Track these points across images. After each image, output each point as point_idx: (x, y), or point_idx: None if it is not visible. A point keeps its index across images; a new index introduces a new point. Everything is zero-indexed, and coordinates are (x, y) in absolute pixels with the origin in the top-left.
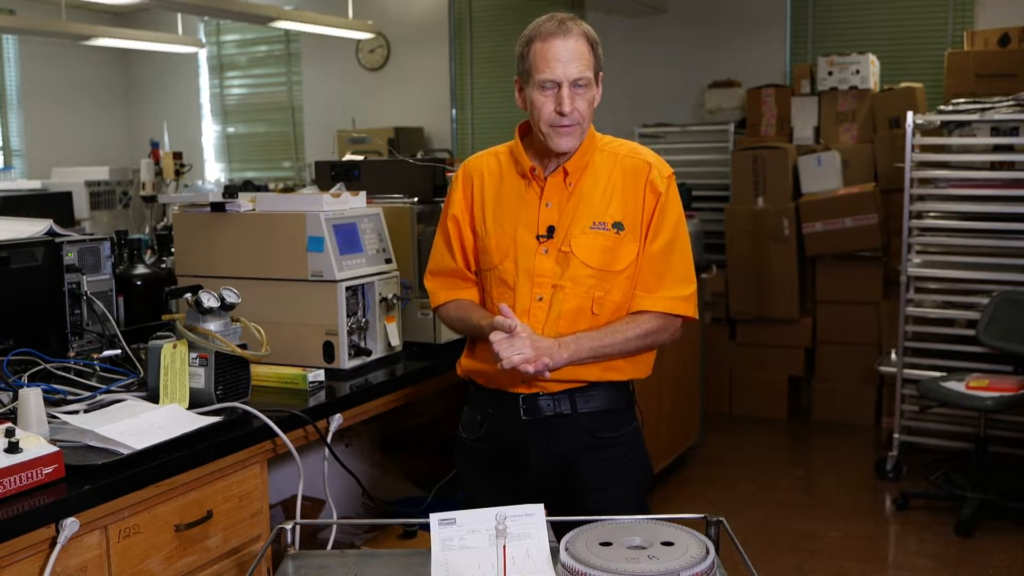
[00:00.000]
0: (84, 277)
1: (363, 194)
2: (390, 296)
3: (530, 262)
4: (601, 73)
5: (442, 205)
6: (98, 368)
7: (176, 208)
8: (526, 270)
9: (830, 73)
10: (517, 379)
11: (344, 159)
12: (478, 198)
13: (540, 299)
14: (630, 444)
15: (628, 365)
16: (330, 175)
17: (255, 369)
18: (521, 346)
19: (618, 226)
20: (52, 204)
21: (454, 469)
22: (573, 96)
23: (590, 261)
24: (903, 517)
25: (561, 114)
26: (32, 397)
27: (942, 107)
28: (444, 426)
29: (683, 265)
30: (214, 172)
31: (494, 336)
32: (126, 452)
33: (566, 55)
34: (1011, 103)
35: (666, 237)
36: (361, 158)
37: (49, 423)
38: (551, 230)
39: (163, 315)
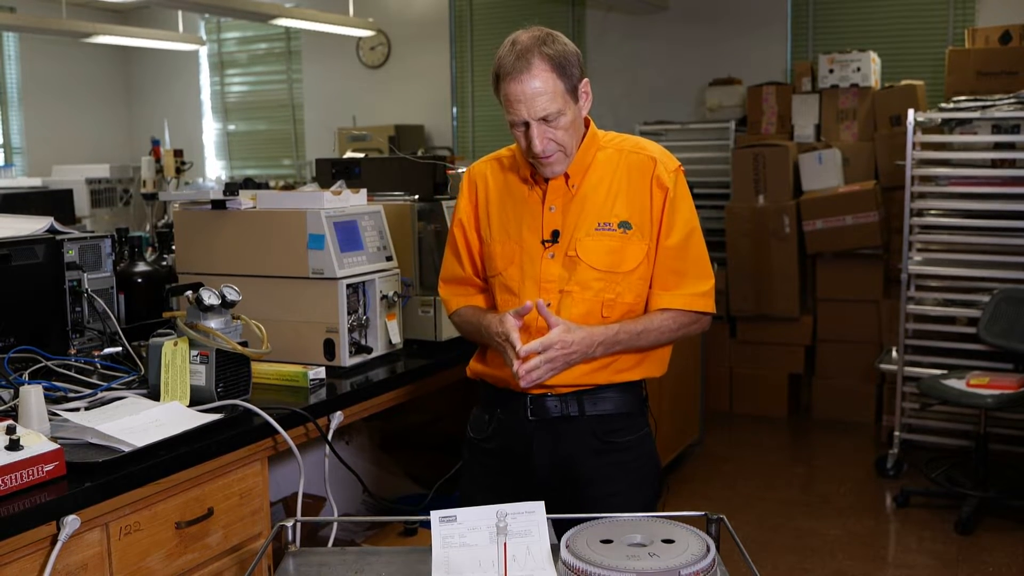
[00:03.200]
0: (85, 275)
1: (364, 192)
2: (391, 294)
3: (536, 268)
4: (585, 80)
5: (443, 203)
6: (99, 365)
7: (177, 206)
8: (532, 276)
9: (831, 71)
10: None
11: (345, 157)
12: (483, 203)
13: (548, 305)
14: (639, 450)
15: (641, 363)
16: (331, 173)
17: (256, 366)
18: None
19: (624, 225)
20: (53, 202)
21: (455, 466)
22: (543, 133)
23: (597, 264)
24: (903, 515)
25: (534, 153)
26: (33, 394)
27: (943, 105)
28: (445, 423)
29: (701, 260)
30: (215, 169)
31: (521, 366)
32: (127, 449)
33: (527, 94)
34: (1012, 101)
35: (680, 233)
36: (362, 156)
37: (50, 420)
38: (556, 234)
39: (164, 312)
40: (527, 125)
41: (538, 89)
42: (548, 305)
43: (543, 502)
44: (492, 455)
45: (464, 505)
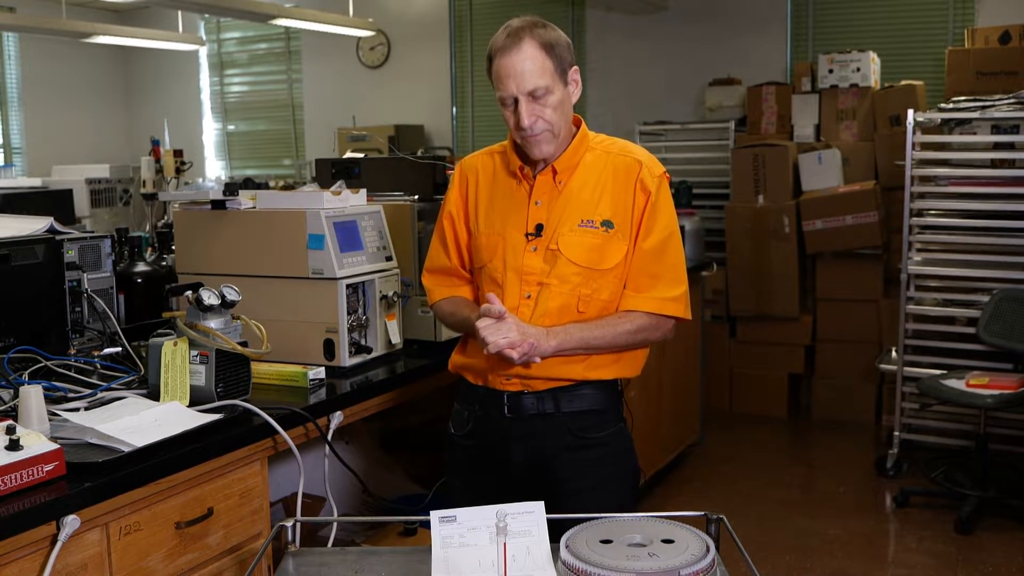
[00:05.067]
0: (85, 275)
1: (363, 192)
2: (390, 294)
3: (518, 260)
4: (575, 68)
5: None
6: (99, 366)
7: (176, 206)
8: (514, 268)
9: (831, 71)
10: (504, 375)
11: (344, 157)
12: (472, 196)
13: (528, 296)
14: (614, 445)
15: (615, 364)
16: (330, 173)
17: (255, 367)
18: (507, 331)
19: (607, 224)
20: (53, 202)
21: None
22: (532, 108)
23: (577, 259)
24: (903, 514)
25: (521, 128)
26: (33, 394)
27: (943, 105)
28: (444, 424)
29: (675, 265)
30: (214, 170)
31: (481, 322)
32: (127, 449)
33: (517, 69)
34: (1012, 101)
35: (657, 237)
36: (361, 156)
37: (50, 420)
38: (540, 228)
39: (164, 313)
40: (516, 102)
41: (527, 64)
42: (528, 297)
43: (542, 502)
44: (471, 451)
45: (447, 501)
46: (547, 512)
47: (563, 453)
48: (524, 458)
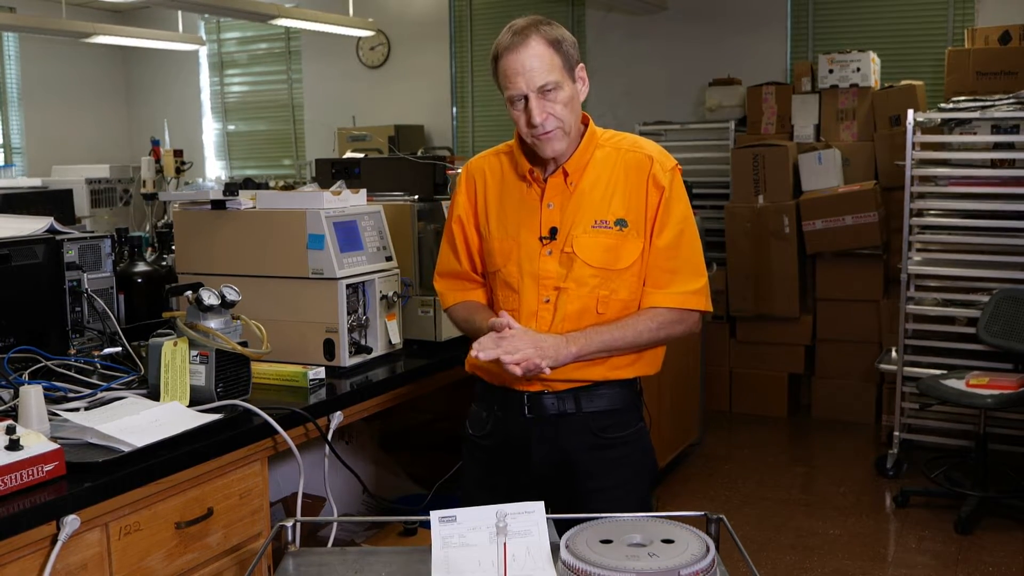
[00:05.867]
0: (85, 275)
1: (363, 192)
2: (390, 294)
3: (534, 265)
4: (581, 65)
5: (443, 203)
6: (99, 365)
7: (177, 206)
8: (531, 273)
9: (831, 71)
10: (521, 377)
11: (344, 157)
12: (481, 199)
13: (547, 301)
14: (635, 444)
15: (635, 363)
16: (331, 173)
17: (255, 367)
18: (510, 346)
19: (621, 223)
20: (53, 202)
21: (455, 466)
22: (542, 105)
23: (592, 261)
24: (903, 514)
25: (533, 126)
26: (33, 394)
27: (943, 105)
28: (445, 424)
29: (693, 259)
30: (214, 170)
31: (483, 338)
32: (127, 449)
33: (526, 66)
34: (1011, 101)
35: (673, 232)
36: (361, 156)
37: (50, 420)
38: (553, 231)
39: (164, 313)
40: (526, 100)
41: (535, 61)
42: (547, 301)
43: (543, 502)
44: (490, 452)
45: (465, 502)
46: (566, 510)
47: (585, 453)
48: (545, 458)
